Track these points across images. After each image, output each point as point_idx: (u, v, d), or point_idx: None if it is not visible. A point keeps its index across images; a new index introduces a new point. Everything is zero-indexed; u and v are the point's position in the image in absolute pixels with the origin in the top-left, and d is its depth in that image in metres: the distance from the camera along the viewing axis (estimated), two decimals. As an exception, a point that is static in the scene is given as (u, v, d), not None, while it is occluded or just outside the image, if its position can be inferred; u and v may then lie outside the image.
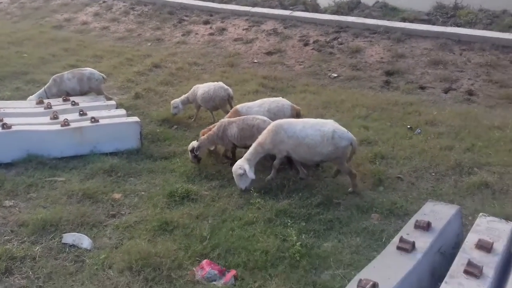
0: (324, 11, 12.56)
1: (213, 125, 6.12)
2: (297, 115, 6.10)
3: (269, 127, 5.28)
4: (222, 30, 12.40)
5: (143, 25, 13.48)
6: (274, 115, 5.96)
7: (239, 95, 8.17)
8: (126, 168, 5.80)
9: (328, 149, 4.98)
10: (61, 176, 5.54)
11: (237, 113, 6.15)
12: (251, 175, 5.15)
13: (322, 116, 6.92)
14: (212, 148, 6.10)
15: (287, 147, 5.15)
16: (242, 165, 5.17)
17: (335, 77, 9.33)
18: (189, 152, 5.89)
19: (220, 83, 7.17)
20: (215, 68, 10.21)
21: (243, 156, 5.30)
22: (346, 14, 12.00)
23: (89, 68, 7.87)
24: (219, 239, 4.36)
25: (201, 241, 4.34)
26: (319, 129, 5.02)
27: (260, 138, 5.29)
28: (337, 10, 12.39)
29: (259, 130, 5.46)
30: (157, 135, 6.86)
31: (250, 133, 5.56)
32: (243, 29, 12.20)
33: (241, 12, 13.08)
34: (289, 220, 4.63)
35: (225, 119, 5.92)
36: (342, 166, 5.20)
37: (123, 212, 4.94)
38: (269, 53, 10.81)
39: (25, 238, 4.35)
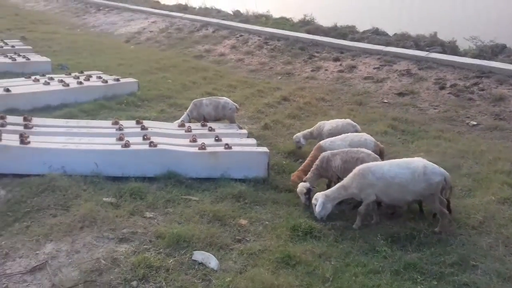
0: (464, 54, 11.86)
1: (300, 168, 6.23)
2: (380, 153, 5.98)
3: (355, 171, 5.24)
4: (352, 67, 12.38)
5: (275, 59, 14.08)
6: None
7: (367, 135, 8.00)
8: (252, 196, 6.00)
9: (421, 186, 4.92)
10: (195, 196, 5.93)
11: (321, 149, 6.20)
12: (319, 209, 5.23)
13: (459, 167, 6.45)
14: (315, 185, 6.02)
15: (376, 190, 5.06)
16: (317, 197, 5.32)
17: (474, 125, 8.67)
18: (302, 195, 5.79)
19: (348, 120, 7.16)
20: (342, 105, 10.19)
21: (326, 191, 5.42)
22: (489, 59, 11.20)
23: (225, 98, 8.44)
24: (342, 284, 4.24)
25: (323, 282, 4.28)
26: (407, 166, 5.02)
27: (345, 181, 5.30)
28: (479, 54, 11.64)
29: (364, 163, 5.39)
30: (283, 167, 7.00)
31: (354, 165, 5.48)
32: (374, 68, 12.04)
33: (373, 51, 12.96)
34: (418, 276, 4.34)
35: (327, 152, 5.97)
36: (434, 205, 5.02)
37: (248, 239, 5.10)
38: (400, 94, 10.48)
39: (161, 250, 4.71)
